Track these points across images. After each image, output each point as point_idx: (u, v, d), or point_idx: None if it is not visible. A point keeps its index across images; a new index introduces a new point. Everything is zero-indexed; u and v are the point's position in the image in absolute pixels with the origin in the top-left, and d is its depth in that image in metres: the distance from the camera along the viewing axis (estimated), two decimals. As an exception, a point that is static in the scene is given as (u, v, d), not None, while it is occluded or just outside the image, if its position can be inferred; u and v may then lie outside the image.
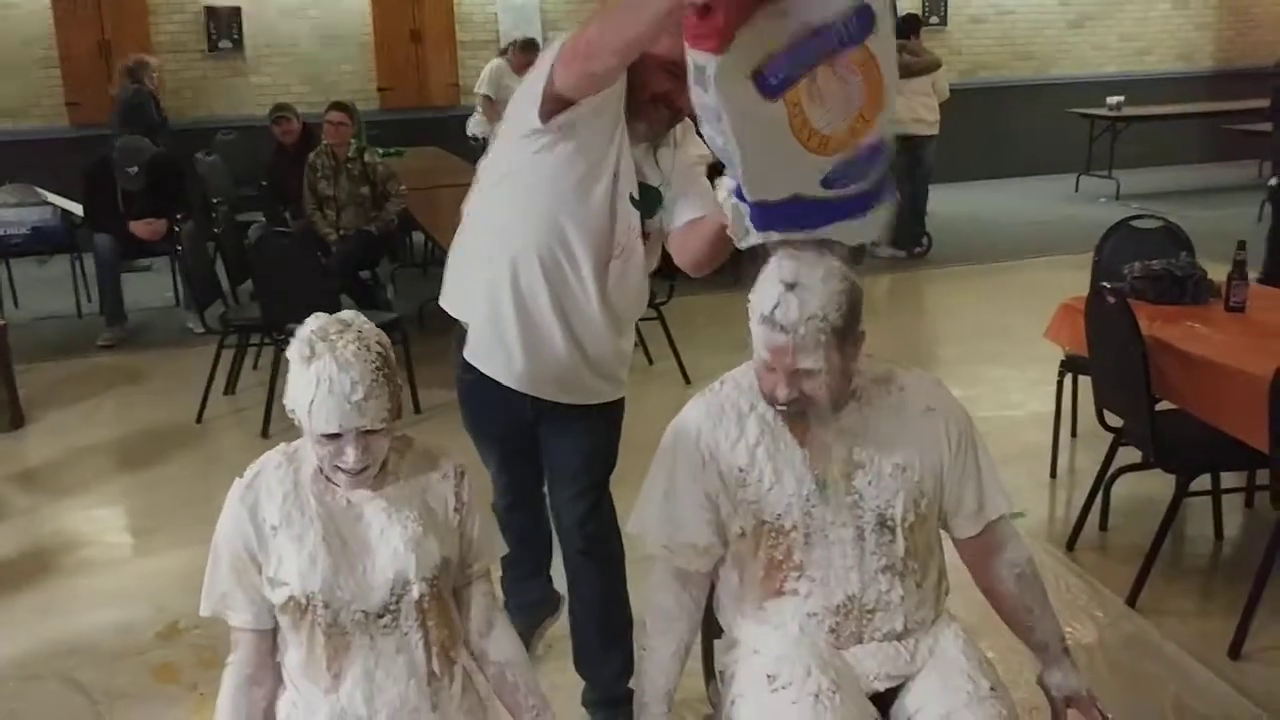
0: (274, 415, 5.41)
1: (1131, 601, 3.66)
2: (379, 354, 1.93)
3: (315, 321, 1.97)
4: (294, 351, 1.94)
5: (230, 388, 6.01)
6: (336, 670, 1.99)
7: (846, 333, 1.99)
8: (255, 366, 6.24)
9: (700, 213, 2.52)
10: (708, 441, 2.13)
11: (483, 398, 2.76)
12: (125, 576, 4.16)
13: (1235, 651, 3.37)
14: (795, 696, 2.00)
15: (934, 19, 12.07)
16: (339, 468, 1.95)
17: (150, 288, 7.55)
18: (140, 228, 6.91)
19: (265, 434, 5.38)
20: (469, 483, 2.11)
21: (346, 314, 1.99)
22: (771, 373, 2.03)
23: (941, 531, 2.24)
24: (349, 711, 1.99)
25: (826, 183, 1.93)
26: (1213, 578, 4.00)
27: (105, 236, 6.92)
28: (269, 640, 2.06)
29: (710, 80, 1.75)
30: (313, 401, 1.90)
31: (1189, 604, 3.76)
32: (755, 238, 2.00)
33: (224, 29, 10.05)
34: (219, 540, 2.04)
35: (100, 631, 3.72)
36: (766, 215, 1.97)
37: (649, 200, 2.58)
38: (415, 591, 1.99)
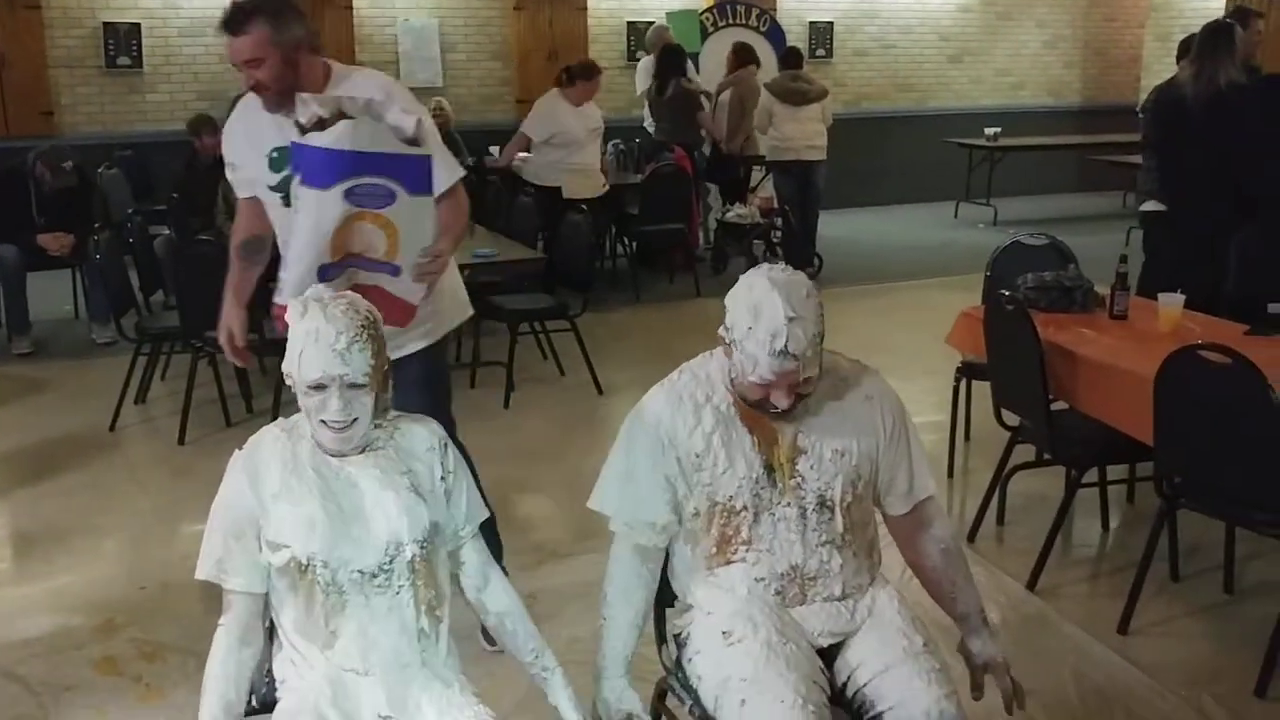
0: (190, 422, 5.45)
1: (1031, 586, 3.96)
2: (367, 317, 2.13)
3: (312, 291, 2.17)
4: (291, 314, 2.13)
5: (141, 397, 6.00)
6: (334, 627, 2.12)
7: (823, 335, 2.22)
8: (164, 377, 6.24)
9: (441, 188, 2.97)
10: (668, 428, 2.30)
11: None
12: (54, 580, 4.16)
13: (1124, 628, 3.68)
14: (749, 648, 2.21)
15: (820, 51, 12.52)
16: (324, 422, 2.10)
17: (43, 300, 7.44)
18: (48, 241, 6.84)
19: (182, 441, 5.41)
20: (453, 452, 2.28)
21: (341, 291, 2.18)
22: (768, 387, 2.20)
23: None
24: (345, 666, 2.13)
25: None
26: (1100, 564, 4.33)
27: (11, 248, 6.84)
28: (260, 604, 2.18)
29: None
30: (301, 353, 2.08)
31: (1081, 588, 4.08)
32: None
33: (123, 45, 9.92)
34: (218, 508, 2.15)
35: (37, 631, 3.74)
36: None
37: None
38: (408, 553, 2.14)
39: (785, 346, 2.13)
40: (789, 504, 2.30)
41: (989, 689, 2.44)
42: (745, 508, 2.29)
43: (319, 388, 2.08)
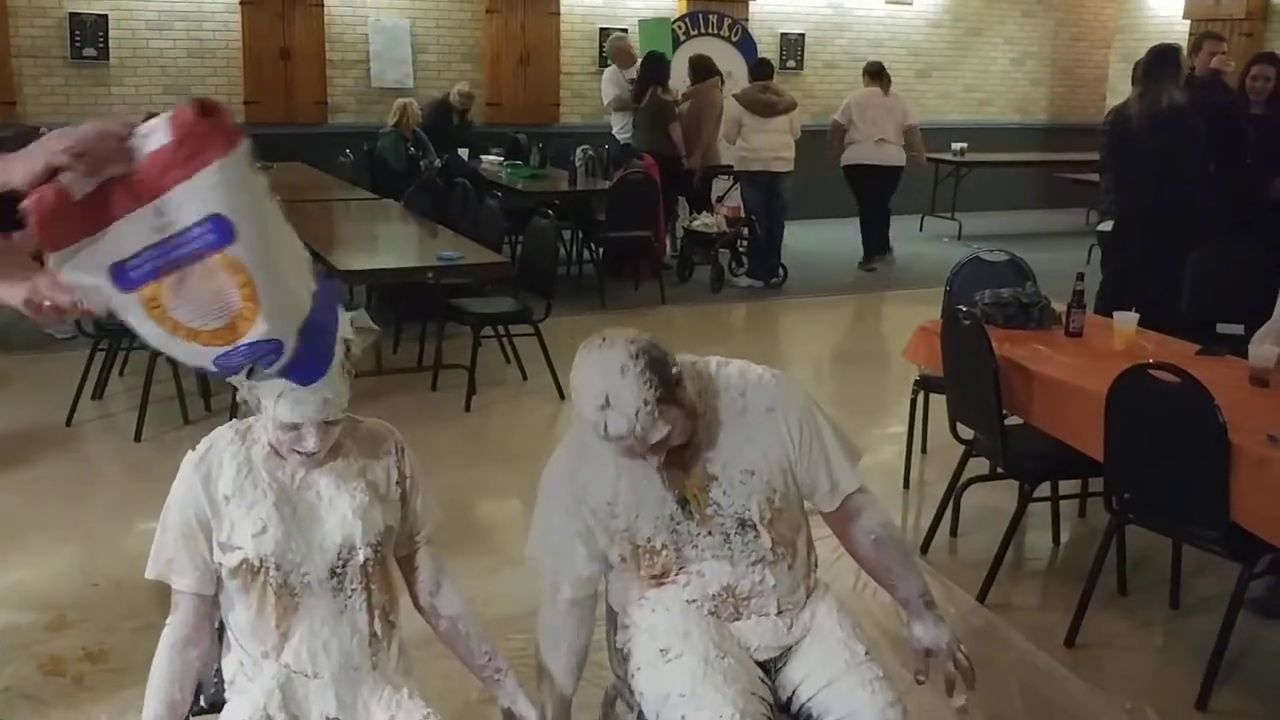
0: (147, 419, 5.42)
1: (981, 598, 4.00)
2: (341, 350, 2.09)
3: None
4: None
5: (98, 393, 5.95)
6: (285, 629, 2.13)
7: (668, 391, 2.13)
8: (122, 373, 6.20)
9: None
10: (577, 483, 2.32)
11: None
12: (6, 576, 4.12)
13: (1070, 641, 3.73)
14: (686, 664, 2.22)
15: (791, 63, 12.59)
16: (298, 451, 2.10)
17: None
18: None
19: (138, 438, 5.37)
20: (410, 458, 2.29)
21: None
22: (634, 452, 2.19)
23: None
24: (294, 668, 2.13)
25: (216, 363, 1.97)
26: (1051, 578, 4.38)
27: None
28: (208, 605, 2.18)
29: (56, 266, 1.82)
30: (280, 395, 2.03)
31: (1031, 600, 4.13)
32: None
33: (89, 37, 9.85)
34: (170, 508, 2.15)
35: (-15, 626, 3.72)
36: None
37: None
38: (360, 556, 2.15)
39: (606, 432, 2.12)
40: (709, 533, 2.29)
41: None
42: (665, 546, 2.30)
43: (296, 425, 2.07)
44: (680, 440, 2.21)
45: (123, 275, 1.82)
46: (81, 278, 1.81)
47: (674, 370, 2.17)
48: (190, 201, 1.79)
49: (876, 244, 10.46)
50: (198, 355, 1.95)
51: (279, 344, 1.95)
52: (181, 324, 1.88)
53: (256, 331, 1.91)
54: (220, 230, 1.81)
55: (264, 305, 1.89)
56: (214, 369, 1.99)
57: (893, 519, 2.52)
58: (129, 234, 1.80)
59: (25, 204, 1.73)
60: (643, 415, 2.10)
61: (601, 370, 2.12)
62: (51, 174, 1.74)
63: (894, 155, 10.14)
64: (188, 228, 1.81)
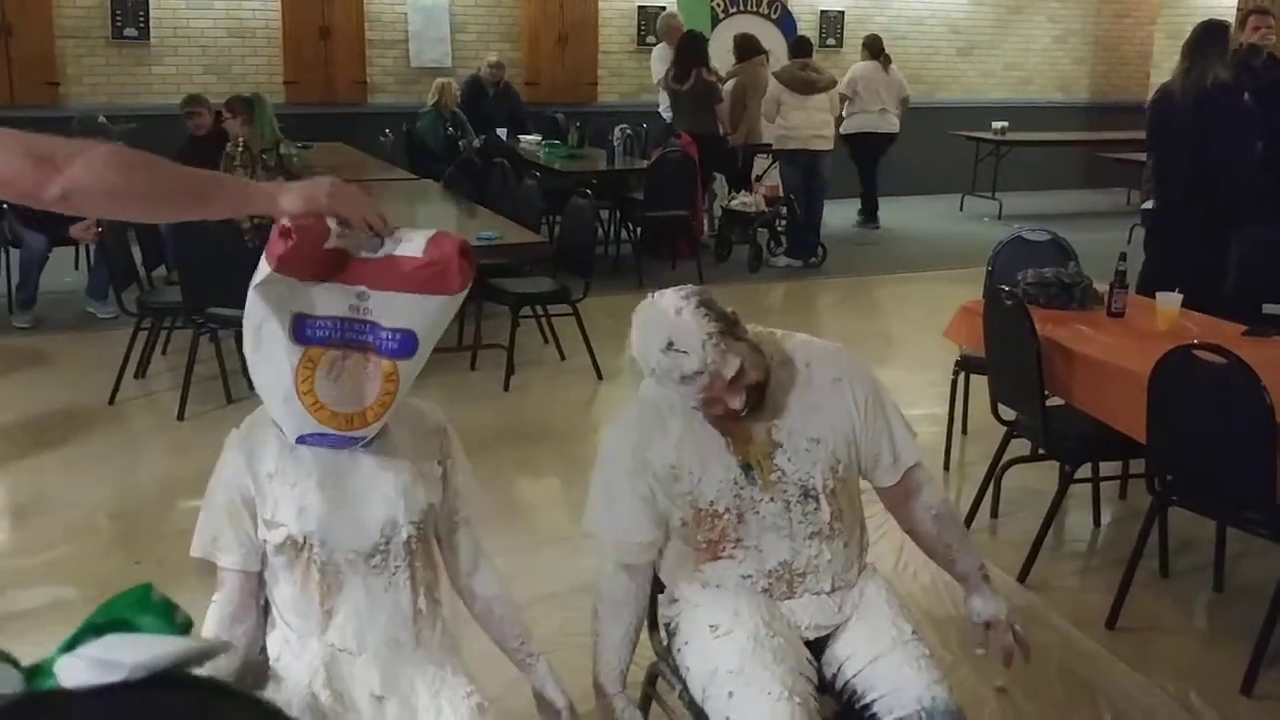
0: (190, 398, 5.46)
1: (1022, 579, 3.98)
2: None
3: None
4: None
5: (141, 372, 6.02)
6: (329, 606, 2.14)
7: (728, 325, 2.20)
8: (165, 352, 6.26)
9: None
10: (639, 446, 2.32)
11: None
12: (50, 553, 4.18)
13: (1112, 623, 3.70)
14: (735, 640, 2.22)
15: (830, 41, 12.50)
16: None
17: (45, 272, 7.43)
18: (79, 232, 6.82)
19: (181, 416, 5.42)
20: (451, 436, 2.29)
21: None
22: (717, 401, 2.21)
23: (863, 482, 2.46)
24: (339, 646, 2.15)
25: (300, 438, 2.07)
26: (1091, 559, 4.35)
27: (41, 237, 6.90)
28: (253, 582, 2.19)
29: (254, 282, 1.96)
30: None
31: (1071, 582, 4.10)
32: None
33: (130, 16, 9.92)
34: (215, 486, 2.16)
35: (30, 604, 3.76)
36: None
37: None
38: (404, 534, 2.15)
39: (681, 376, 2.15)
40: (772, 499, 2.30)
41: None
42: (728, 510, 2.30)
43: None
44: (757, 376, 2.23)
45: (303, 327, 2.00)
46: (263, 304, 1.97)
47: (729, 310, 2.23)
48: (400, 309, 1.99)
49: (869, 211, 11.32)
50: (295, 419, 2.03)
51: (358, 441, 2.09)
52: (315, 392, 2.02)
53: (360, 432, 2.06)
54: (405, 345, 2.02)
55: (385, 416, 2.06)
56: (292, 437, 2.07)
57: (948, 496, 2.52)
58: (326, 298, 1.99)
59: (290, 222, 1.88)
60: (709, 347, 2.15)
61: (657, 319, 2.19)
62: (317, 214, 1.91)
63: (892, 124, 10.83)
64: (382, 325, 2.00)
